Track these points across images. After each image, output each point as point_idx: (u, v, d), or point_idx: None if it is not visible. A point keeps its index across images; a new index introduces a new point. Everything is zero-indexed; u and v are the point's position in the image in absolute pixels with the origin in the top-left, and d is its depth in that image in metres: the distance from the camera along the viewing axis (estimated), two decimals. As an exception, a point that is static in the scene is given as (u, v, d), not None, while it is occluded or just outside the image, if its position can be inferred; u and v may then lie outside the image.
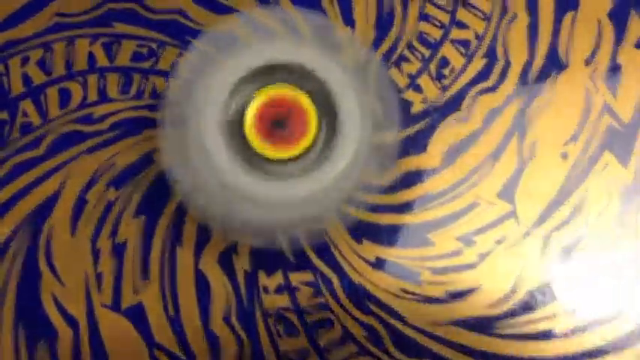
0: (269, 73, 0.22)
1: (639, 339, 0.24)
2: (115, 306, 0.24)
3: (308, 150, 0.22)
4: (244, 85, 0.22)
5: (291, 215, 0.22)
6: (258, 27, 0.24)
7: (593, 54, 0.26)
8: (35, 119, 0.25)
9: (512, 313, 0.24)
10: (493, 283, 0.24)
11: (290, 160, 0.22)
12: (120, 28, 0.25)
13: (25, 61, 0.25)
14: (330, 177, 0.22)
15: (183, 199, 0.23)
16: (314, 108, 0.22)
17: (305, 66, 0.22)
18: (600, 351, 0.24)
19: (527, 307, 0.24)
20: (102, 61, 0.25)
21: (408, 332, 0.24)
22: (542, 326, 0.24)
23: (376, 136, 0.23)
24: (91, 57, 0.25)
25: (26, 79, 0.25)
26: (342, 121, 0.22)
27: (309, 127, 0.22)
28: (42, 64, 0.25)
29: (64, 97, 0.25)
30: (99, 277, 0.24)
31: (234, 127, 0.22)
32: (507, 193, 0.25)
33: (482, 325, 0.24)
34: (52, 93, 0.25)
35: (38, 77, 0.25)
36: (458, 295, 0.24)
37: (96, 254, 0.24)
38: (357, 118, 0.22)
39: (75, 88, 0.25)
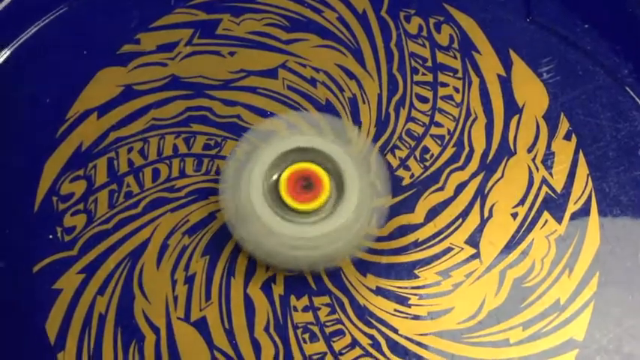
0: (299, 154, 0.32)
1: (568, 346, 0.32)
2: (186, 318, 0.32)
3: (322, 205, 0.32)
4: (282, 160, 0.32)
5: (312, 251, 0.31)
6: (292, 125, 0.34)
7: (534, 144, 0.35)
8: (135, 189, 0.34)
9: (477, 327, 0.32)
10: (463, 305, 0.32)
11: (311, 212, 0.32)
12: (195, 127, 0.35)
13: (130, 150, 0.34)
14: (337, 225, 0.31)
15: (238, 242, 0.33)
16: (328, 178, 0.32)
17: (324, 151, 0.32)
18: (543, 353, 0.32)
19: (488, 322, 0.32)
20: (182, 149, 0.34)
21: (400, 340, 0.32)
22: (500, 337, 0.32)
23: (375, 201, 0.33)
24: (175, 147, 0.34)
25: (130, 162, 0.34)
26: (347, 188, 0.31)
27: (324, 191, 0.32)
28: (142, 152, 0.34)
29: (156, 174, 0.34)
30: (175, 298, 0.32)
31: (273, 190, 0.32)
32: (473, 241, 0.33)
33: (454, 335, 0.32)
34: (148, 171, 0.34)
35: (138, 161, 0.34)
36: (437, 314, 0.32)
37: (174, 282, 0.32)
38: (357, 187, 0.31)
39: (163, 168, 0.34)
